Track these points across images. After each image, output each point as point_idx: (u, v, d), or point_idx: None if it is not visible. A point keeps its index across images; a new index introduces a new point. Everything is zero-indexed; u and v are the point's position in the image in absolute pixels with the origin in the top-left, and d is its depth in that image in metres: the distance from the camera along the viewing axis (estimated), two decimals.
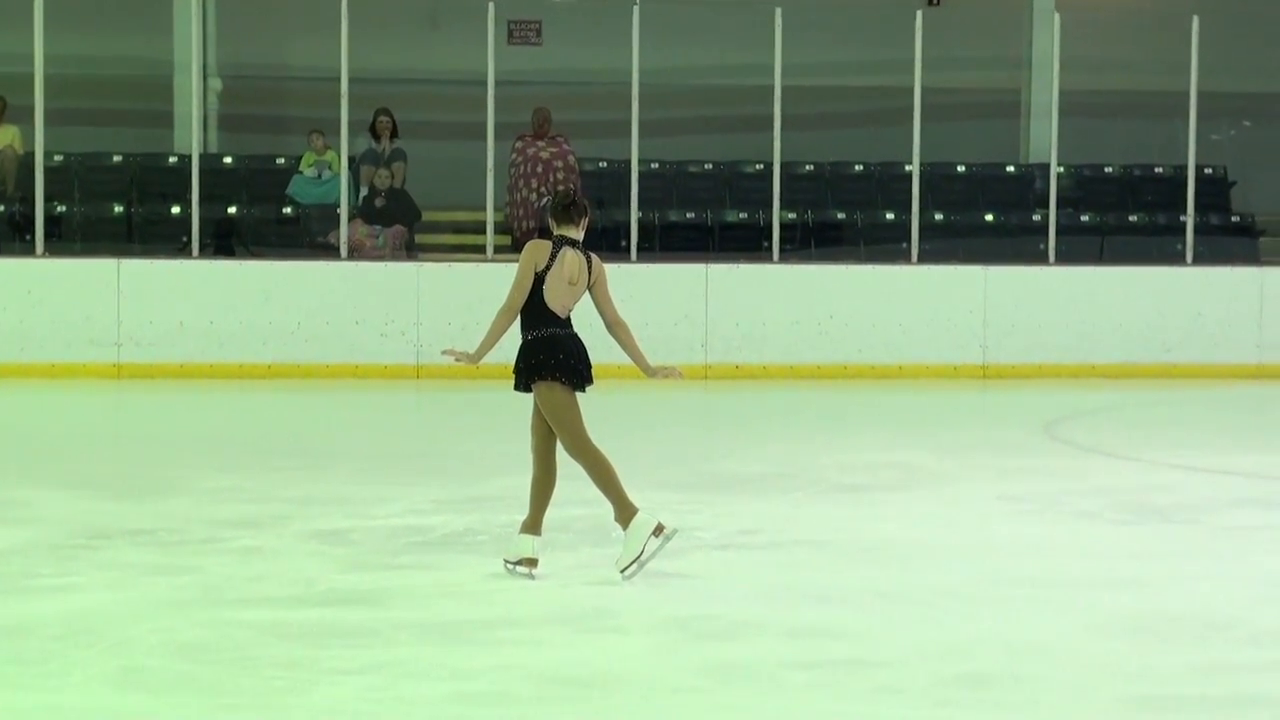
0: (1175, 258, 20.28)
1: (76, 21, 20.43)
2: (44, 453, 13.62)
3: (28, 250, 19.17)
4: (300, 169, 20.47)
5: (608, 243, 19.75)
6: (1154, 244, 21.04)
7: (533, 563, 8.64)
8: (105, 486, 11.50)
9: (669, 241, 20.85)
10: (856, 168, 21.95)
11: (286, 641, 7.32)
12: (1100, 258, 20.89)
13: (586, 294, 8.73)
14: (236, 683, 6.72)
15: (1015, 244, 20.83)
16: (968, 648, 7.40)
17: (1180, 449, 14.27)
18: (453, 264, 19.61)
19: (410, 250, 20.02)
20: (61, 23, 19.19)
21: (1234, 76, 21.65)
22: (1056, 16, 20.14)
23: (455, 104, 20.87)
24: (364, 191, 20.05)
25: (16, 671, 6.85)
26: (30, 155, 19.32)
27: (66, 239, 19.98)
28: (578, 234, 8.74)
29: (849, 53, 22.57)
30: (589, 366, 8.67)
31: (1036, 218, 20.88)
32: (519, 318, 8.63)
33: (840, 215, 21.36)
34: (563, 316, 8.65)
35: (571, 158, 20.32)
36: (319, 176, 20.23)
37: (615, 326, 8.76)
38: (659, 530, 8.52)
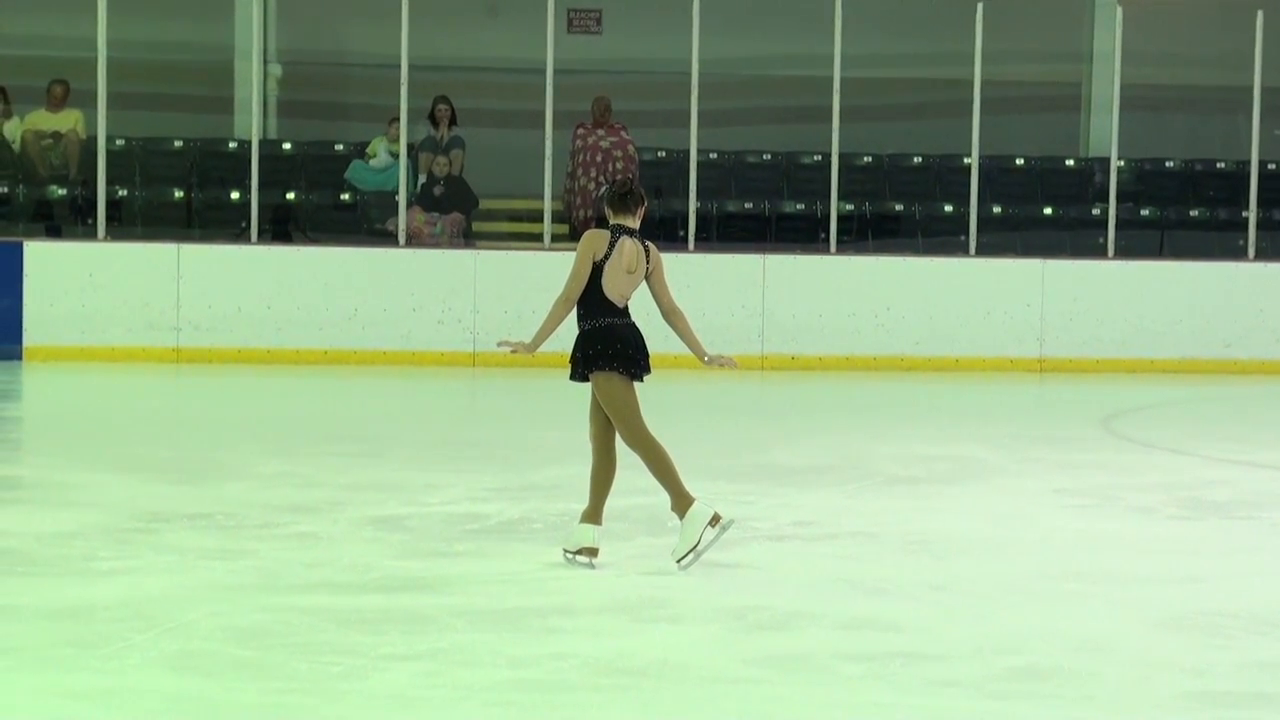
0: (1236, 253, 20.17)
1: (139, 7, 20.53)
2: (103, 436, 13.70)
3: (89, 234, 19.28)
4: (368, 152, 20.45)
5: (665, 232, 19.76)
6: (1215, 239, 20.90)
7: (593, 552, 8.65)
8: (163, 470, 11.56)
9: (727, 231, 20.83)
10: (915, 160, 21.88)
11: (342, 627, 7.34)
12: (1160, 252, 20.77)
13: (643, 283, 8.73)
14: (292, 668, 6.75)
15: (1074, 238, 20.74)
16: (1023, 641, 7.38)
17: (1239, 445, 14.20)
18: (510, 252, 19.64)
19: (468, 238, 20.05)
20: (124, 8, 19.28)
21: None
22: (1118, 9, 20.03)
23: (514, 92, 20.90)
24: (422, 179, 20.08)
25: (74, 654, 6.89)
26: (92, 139, 19.43)
27: (127, 223, 20.08)
28: (634, 223, 8.73)
29: (908, 44, 22.49)
30: (647, 356, 8.66)
31: (1096, 212, 20.77)
32: (576, 307, 8.63)
33: (898, 207, 21.30)
34: (620, 306, 8.64)
35: (631, 147, 20.31)
36: (385, 167, 20.18)
37: (672, 315, 8.75)
38: (715, 520, 8.52)
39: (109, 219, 19.17)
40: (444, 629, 7.39)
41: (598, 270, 8.57)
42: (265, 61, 21.85)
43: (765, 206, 21.19)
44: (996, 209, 20.88)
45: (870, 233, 21.00)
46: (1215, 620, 7.81)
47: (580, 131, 20.31)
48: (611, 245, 8.59)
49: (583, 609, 7.84)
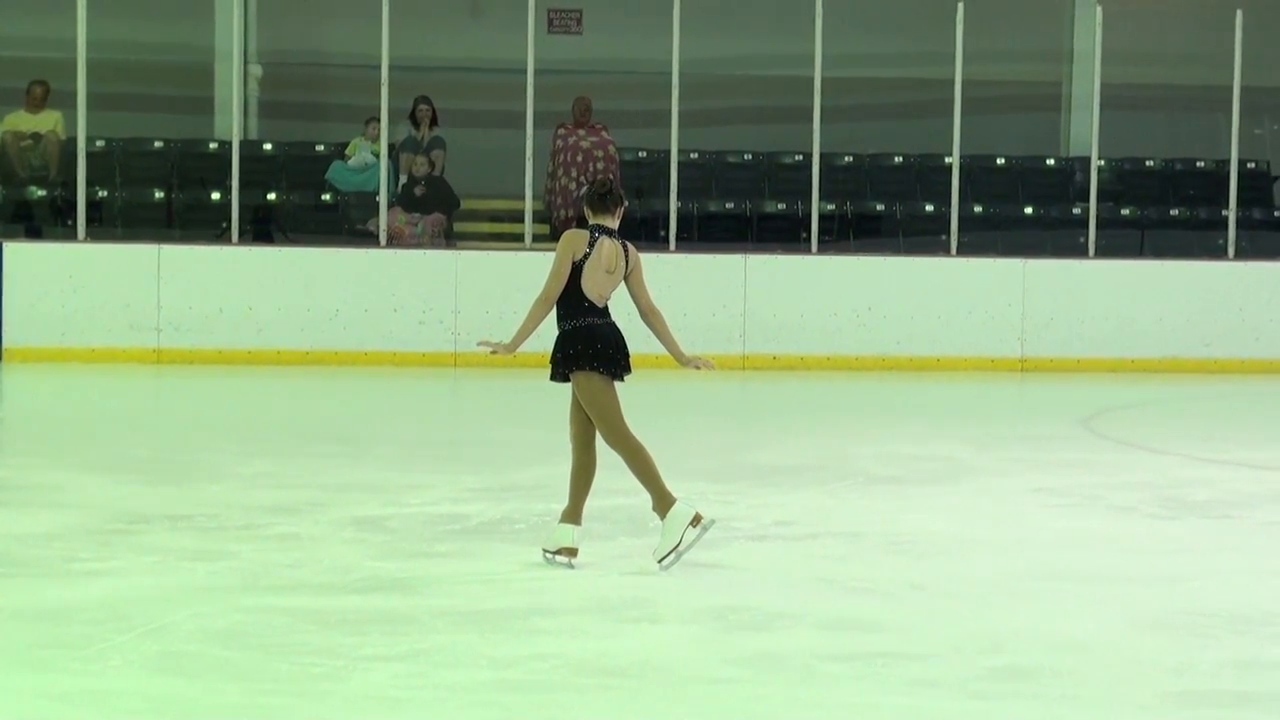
0: (1217, 252, 20.20)
1: (119, 7, 20.50)
2: (84, 437, 13.68)
3: (69, 235, 19.25)
4: (347, 152, 20.43)
5: (646, 232, 19.77)
6: (1195, 238, 20.92)
7: (573, 552, 8.64)
8: (144, 471, 11.54)
9: (708, 232, 20.84)
10: (896, 159, 21.90)
11: (323, 628, 7.33)
12: (1140, 252, 20.80)
13: (622, 284, 8.72)
14: (273, 669, 6.74)
15: (1055, 237, 20.76)
16: (1004, 641, 7.38)
17: (1219, 444, 14.22)
18: (491, 252, 19.64)
19: (449, 238, 20.04)
20: (104, 8, 19.26)
21: (1277, 71, 21.53)
22: (1098, 9, 20.06)
23: (495, 92, 20.89)
24: (403, 179, 20.07)
25: (55, 655, 6.88)
26: (72, 140, 19.40)
27: (107, 224, 20.04)
28: (613, 223, 8.73)
29: (889, 44, 22.52)
30: (627, 356, 8.66)
31: (1076, 211, 20.81)
32: (556, 307, 8.62)
33: (879, 207, 21.31)
34: (600, 306, 8.64)
35: (612, 147, 20.31)
36: (363, 167, 20.13)
37: (650, 315, 8.75)
38: (697, 520, 8.52)
39: (89, 220, 19.14)
40: (425, 630, 7.38)
41: (577, 270, 8.57)
42: (245, 62, 21.84)
43: (746, 206, 21.20)
44: (977, 208, 20.91)
45: (851, 232, 21.01)
46: (1196, 619, 7.81)
47: (561, 131, 20.31)
48: (591, 245, 8.59)
49: (564, 609, 7.83)
